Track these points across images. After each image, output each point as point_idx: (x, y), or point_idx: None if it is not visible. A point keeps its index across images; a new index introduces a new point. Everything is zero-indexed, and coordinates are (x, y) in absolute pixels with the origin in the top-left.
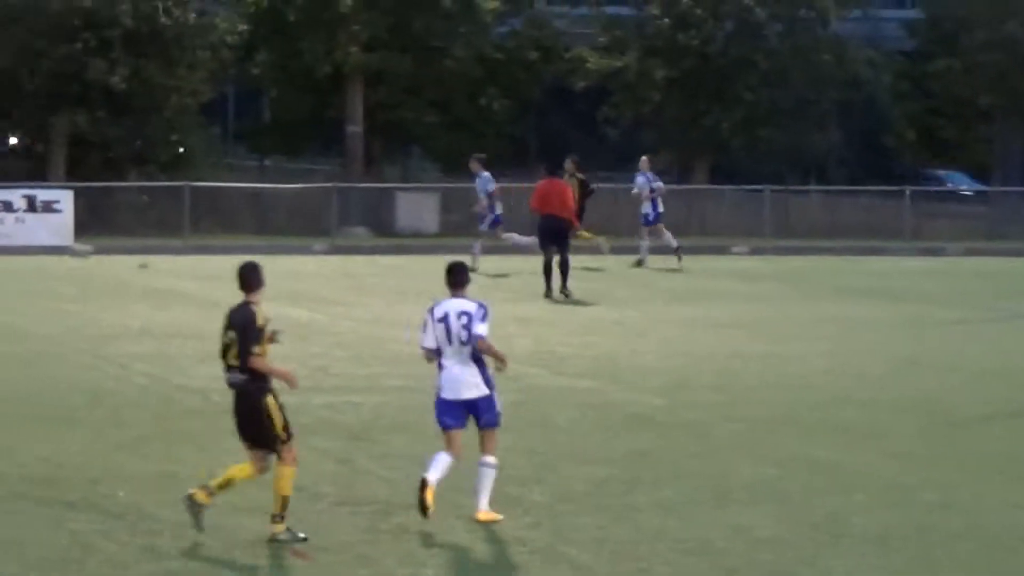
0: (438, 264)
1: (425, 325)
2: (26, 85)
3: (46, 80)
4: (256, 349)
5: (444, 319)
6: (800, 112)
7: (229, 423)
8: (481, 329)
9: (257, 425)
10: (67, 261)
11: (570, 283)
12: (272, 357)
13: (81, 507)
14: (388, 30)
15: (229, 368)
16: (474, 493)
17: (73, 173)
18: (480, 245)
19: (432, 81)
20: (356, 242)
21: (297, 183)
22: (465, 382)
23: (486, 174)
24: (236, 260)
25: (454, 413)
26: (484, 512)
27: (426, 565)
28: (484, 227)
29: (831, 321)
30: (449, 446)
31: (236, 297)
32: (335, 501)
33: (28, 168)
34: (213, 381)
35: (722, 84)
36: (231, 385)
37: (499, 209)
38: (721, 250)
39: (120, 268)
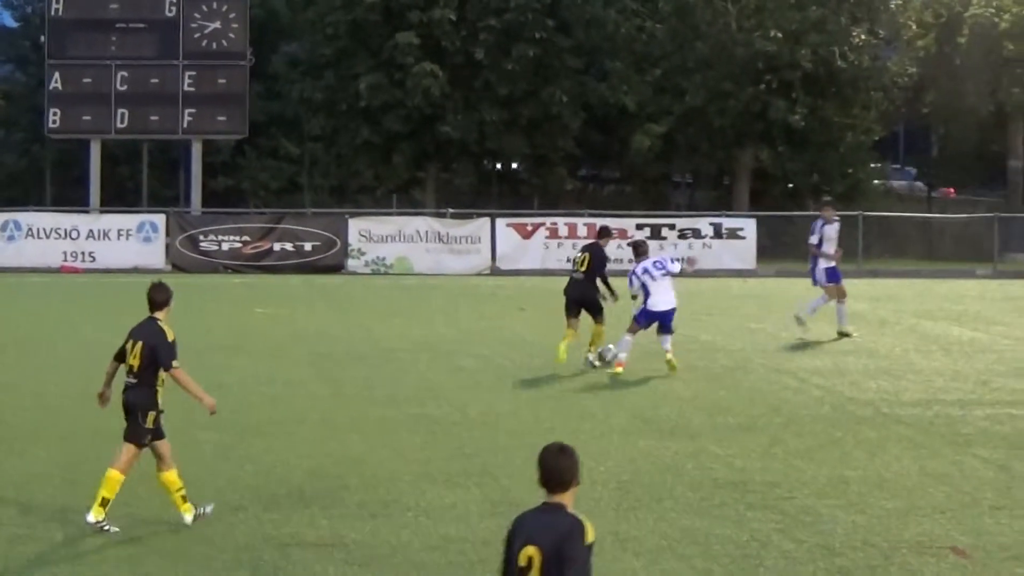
0: None
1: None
2: (715, 123)
3: (733, 118)
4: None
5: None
6: None
7: (898, 431)
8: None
9: None
10: (749, 284)
11: None
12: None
13: (740, 508)
14: None
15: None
16: None
17: (755, 203)
18: None
19: None
20: (1017, 267)
21: (962, 213)
22: None
23: None
24: (905, 282)
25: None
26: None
27: None
28: None
29: None
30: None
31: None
32: (993, 505)
33: (715, 198)
34: (881, 393)
35: None
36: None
37: None
38: None
39: (798, 290)
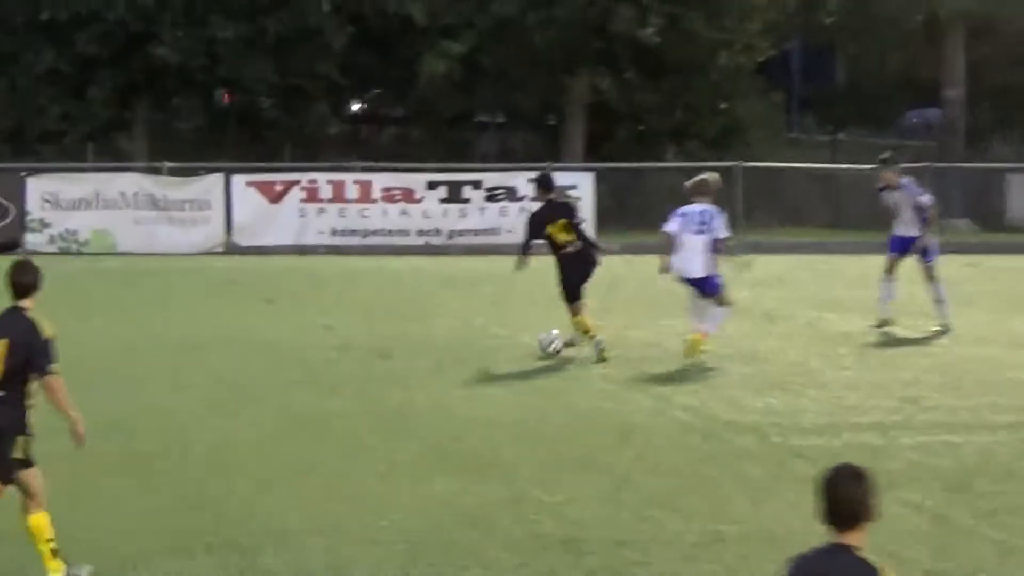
0: None
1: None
2: (536, 39)
3: (561, 32)
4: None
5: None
6: None
7: (794, 468)
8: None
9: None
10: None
11: None
12: None
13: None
14: None
15: None
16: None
17: (594, 150)
18: None
19: None
20: (955, 237)
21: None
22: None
23: None
24: (803, 260)
25: None
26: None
27: None
28: None
29: None
30: None
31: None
32: (928, 570)
33: (538, 144)
34: (770, 416)
35: None
36: None
37: None
38: None
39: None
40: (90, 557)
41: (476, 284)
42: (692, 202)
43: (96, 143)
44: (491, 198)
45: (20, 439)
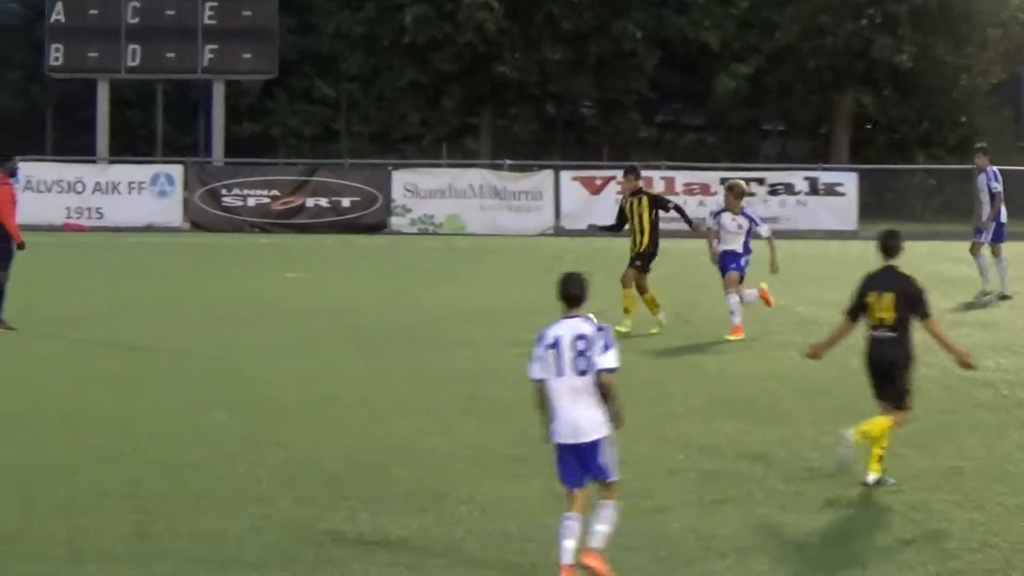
0: None
1: None
2: (810, 63)
3: (830, 58)
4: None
5: None
6: None
7: (1021, 416)
8: None
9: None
10: (850, 247)
11: None
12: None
13: (840, 504)
14: None
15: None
16: None
17: (856, 154)
18: None
19: None
20: None
21: None
22: None
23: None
24: None
25: None
26: None
27: None
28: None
29: None
30: None
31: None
32: None
33: (811, 149)
34: (1001, 373)
35: None
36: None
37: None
38: None
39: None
40: (440, 476)
41: (755, 263)
42: None
43: (448, 144)
44: (772, 192)
45: (908, 373)
